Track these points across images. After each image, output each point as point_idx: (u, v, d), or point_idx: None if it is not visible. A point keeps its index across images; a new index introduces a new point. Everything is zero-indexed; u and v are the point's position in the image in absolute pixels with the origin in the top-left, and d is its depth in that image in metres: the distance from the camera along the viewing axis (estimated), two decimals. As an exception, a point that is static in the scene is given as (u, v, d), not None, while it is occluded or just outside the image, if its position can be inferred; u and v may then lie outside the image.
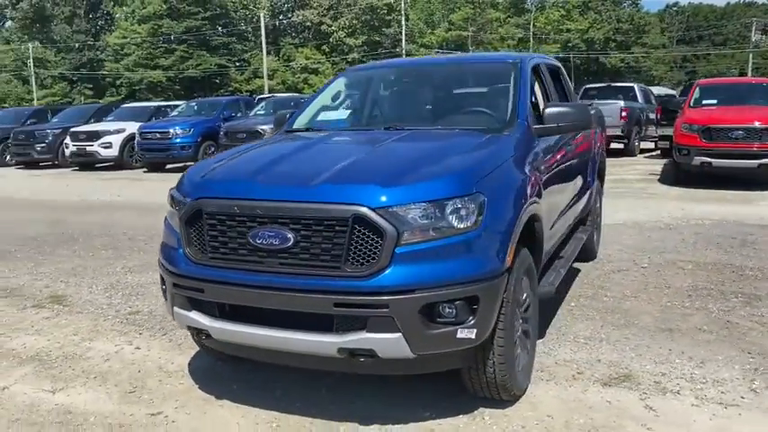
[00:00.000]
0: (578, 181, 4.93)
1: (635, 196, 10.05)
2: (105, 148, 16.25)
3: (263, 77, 57.53)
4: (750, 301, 4.77)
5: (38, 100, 58.03)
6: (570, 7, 63.97)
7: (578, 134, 5.06)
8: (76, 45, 63.33)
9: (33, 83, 60.94)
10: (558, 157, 4.22)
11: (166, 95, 55.54)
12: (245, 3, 63.05)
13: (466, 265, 2.77)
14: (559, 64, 5.57)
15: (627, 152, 16.86)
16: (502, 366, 3.01)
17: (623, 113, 16.11)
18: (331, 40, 60.27)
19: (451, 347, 2.80)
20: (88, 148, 16.28)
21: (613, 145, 17.14)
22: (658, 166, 13.95)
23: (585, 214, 5.57)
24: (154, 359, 3.91)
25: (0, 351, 4.12)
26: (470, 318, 2.77)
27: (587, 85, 19.60)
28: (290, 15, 65.13)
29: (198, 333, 3.10)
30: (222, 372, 3.68)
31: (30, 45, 60.96)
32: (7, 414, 3.24)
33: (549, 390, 3.39)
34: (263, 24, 52.95)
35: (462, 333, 2.76)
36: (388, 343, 2.69)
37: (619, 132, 16.29)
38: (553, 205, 3.98)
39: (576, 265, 5.82)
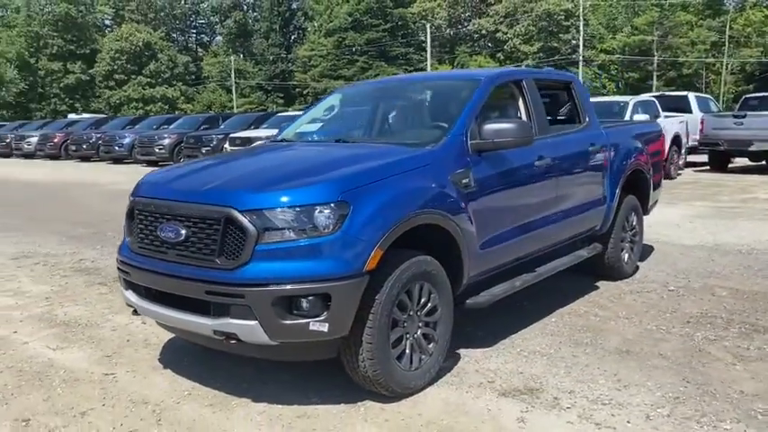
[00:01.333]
0: (569, 198, 4.85)
1: (750, 217, 9.22)
2: (256, 152, 17.94)
3: (437, 86, 59.21)
4: (750, 334, 4.43)
5: (237, 107, 64.37)
6: (777, 6, 57.61)
7: (581, 150, 5.02)
8: (271, 57, 69.30)
9: (234, 92, 67.62)
10: (519, 173, 4.28)
11: (347, 104, 58.72)
12: (424, 14, 64.73)
13: (320, 265, 3.09)
14: (570, 77, 5.50)
15: (789, 168, 15.22)
16: (372, 362, 3.27)
17: (781, 126, 14.56)
18: (506, 47, 60.04)
19: (306, 338, 3.13)
20: (241, 152, 18.08)
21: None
22: (811, 185, 12.49)
23: (601, 232, 5.44)
24: (147, 333, 4.62)
25: (47, 315, 5.08)
26: (323, 313, 3.08)
27: (747, 95, 17.89)
28: (466, 24, 65.82)
29: (134, 310, 3.72)
30: (187, 348, 4.27)
31: (232, 58, 67.79)
32: (11, 361, 4.11)
33: (445, 392, 3.55)
34: (428, 35, 54.20)
35: (314, 326, 3.09)
36: (247, 329, 3.10)
37: (775, 147, 14.77)
38: (496, 220, 4.07)
39: (600, 282, 5.70)
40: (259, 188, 3.21)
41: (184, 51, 78.42)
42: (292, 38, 74.46)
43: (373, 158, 3.59)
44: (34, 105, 57.20)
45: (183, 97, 61.88)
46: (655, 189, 6.24)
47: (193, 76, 71.87)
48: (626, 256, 5.84)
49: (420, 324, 3.56)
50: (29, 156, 27.82)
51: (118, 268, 3.74)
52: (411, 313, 3.49)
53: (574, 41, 57.38)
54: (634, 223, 5.97)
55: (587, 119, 5.31)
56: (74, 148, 25.69)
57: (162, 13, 75.43)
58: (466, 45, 66.16)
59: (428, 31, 54.97)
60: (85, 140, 25.27)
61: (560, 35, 59.04)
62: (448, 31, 66.15)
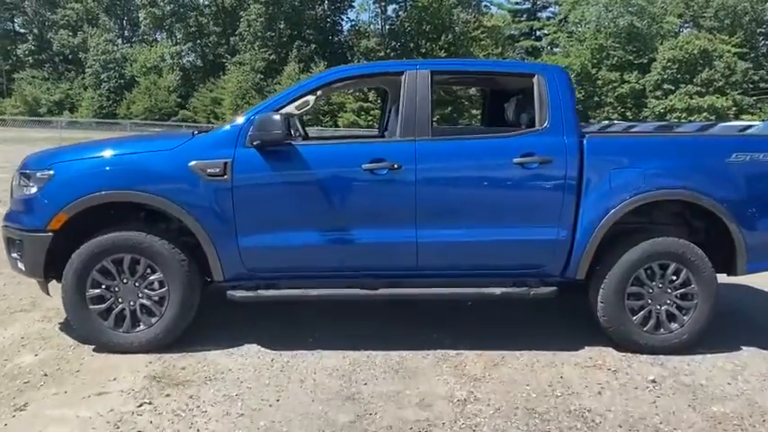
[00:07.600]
0: (451, 216, 4.02)
1: None
2: None
3: None
4: (520, 420, 2.96)
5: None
6: None
7: (489, 159, 4.03)
8: None
9: (809, 102, 58.28)
10: (326, 176, 3.93)
11: None
12: None
13: (23, 218, 4.00)
14: (533, 70, 4.26)
15: None
16: (66, 308, 3.99)
17: None
18: None
19: (18, 272, 4.05)
20: None
21: None
22: None
23: (566, 275, 4.14)
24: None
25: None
26: (22, 255, 3.91)
27: None
28: None
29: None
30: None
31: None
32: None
33: (135, 357, 3.91)
34: None
35: (19, 264, 4.01)
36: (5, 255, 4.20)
37: None
38: (274, 219, 3.93)
39: (595, 347, 4.27)
40: (30, 159, 4.23)
41: (764, 57, 71.19)
42: None
43: (121, 146, 4.21)
44: (590, 113, 61.12)
45: (735, 108, 56.28)
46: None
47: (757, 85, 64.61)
48: (644, 321, 4.10)
49: (140, 295, 3.89)
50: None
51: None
52: (125, 281, 3.87)
53: None
54: (680, 280, 4.08)
55: (547, 122, 4.02)
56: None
57: (746, 18, 69.64)
58: None
59: None
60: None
61: None
62: None
